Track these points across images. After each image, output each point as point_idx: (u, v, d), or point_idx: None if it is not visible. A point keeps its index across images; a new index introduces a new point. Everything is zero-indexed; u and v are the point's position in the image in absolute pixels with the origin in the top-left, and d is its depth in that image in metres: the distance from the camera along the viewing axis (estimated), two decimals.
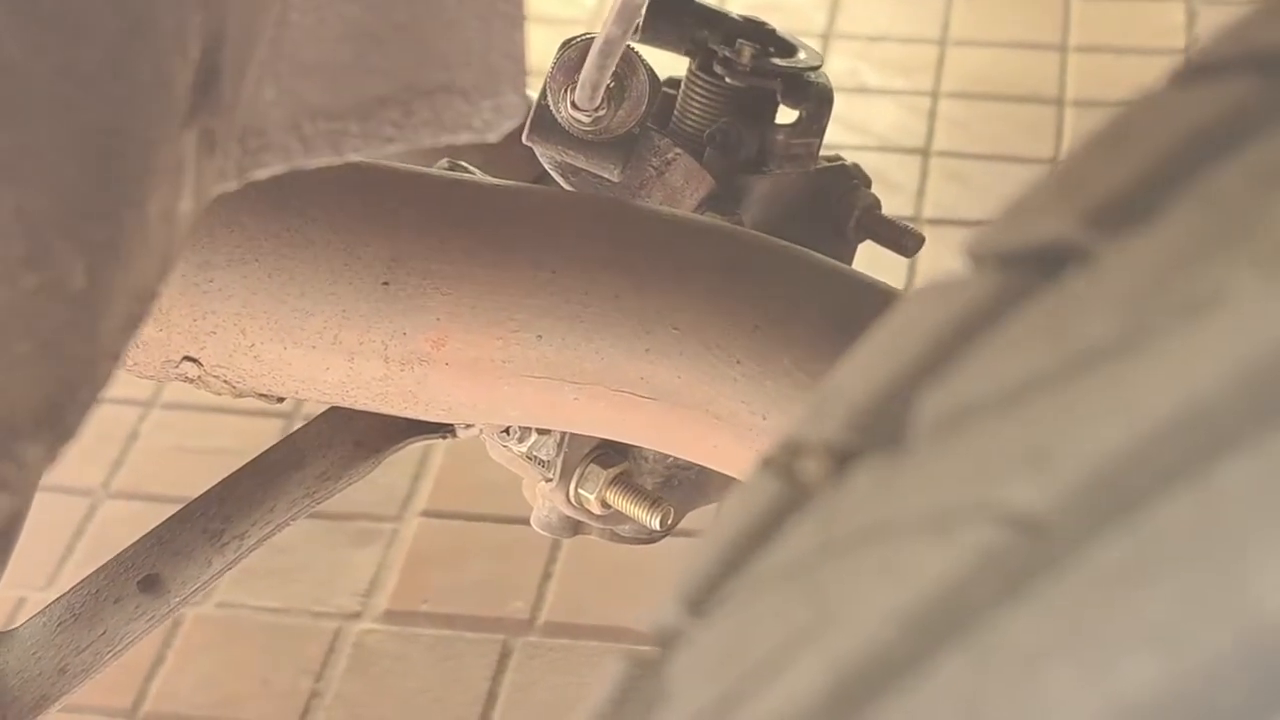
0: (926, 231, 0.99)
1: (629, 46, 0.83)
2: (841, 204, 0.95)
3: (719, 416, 0.80)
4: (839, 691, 0.36)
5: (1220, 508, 0.32)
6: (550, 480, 0.92)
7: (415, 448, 0.92)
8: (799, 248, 0.84)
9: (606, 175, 0.87)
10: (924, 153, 1.89)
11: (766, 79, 0.91)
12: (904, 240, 0.96)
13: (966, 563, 0.35)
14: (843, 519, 0.38)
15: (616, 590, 1.46)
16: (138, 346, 0.81)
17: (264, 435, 1.53)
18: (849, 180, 0.95)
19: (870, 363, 0.40)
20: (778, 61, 0.92)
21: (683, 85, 0.93)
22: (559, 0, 2.10)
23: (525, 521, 0.99)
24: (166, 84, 0.45)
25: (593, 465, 0.91)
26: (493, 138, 0.56)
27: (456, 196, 0.83)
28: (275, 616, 1.47)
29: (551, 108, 0.85)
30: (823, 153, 0.95)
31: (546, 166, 0.89)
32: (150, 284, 0.47)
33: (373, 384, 0.82)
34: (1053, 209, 0.38)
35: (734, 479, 0.89)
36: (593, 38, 0.82)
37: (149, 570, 0.85)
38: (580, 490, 0.91)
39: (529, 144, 0.87)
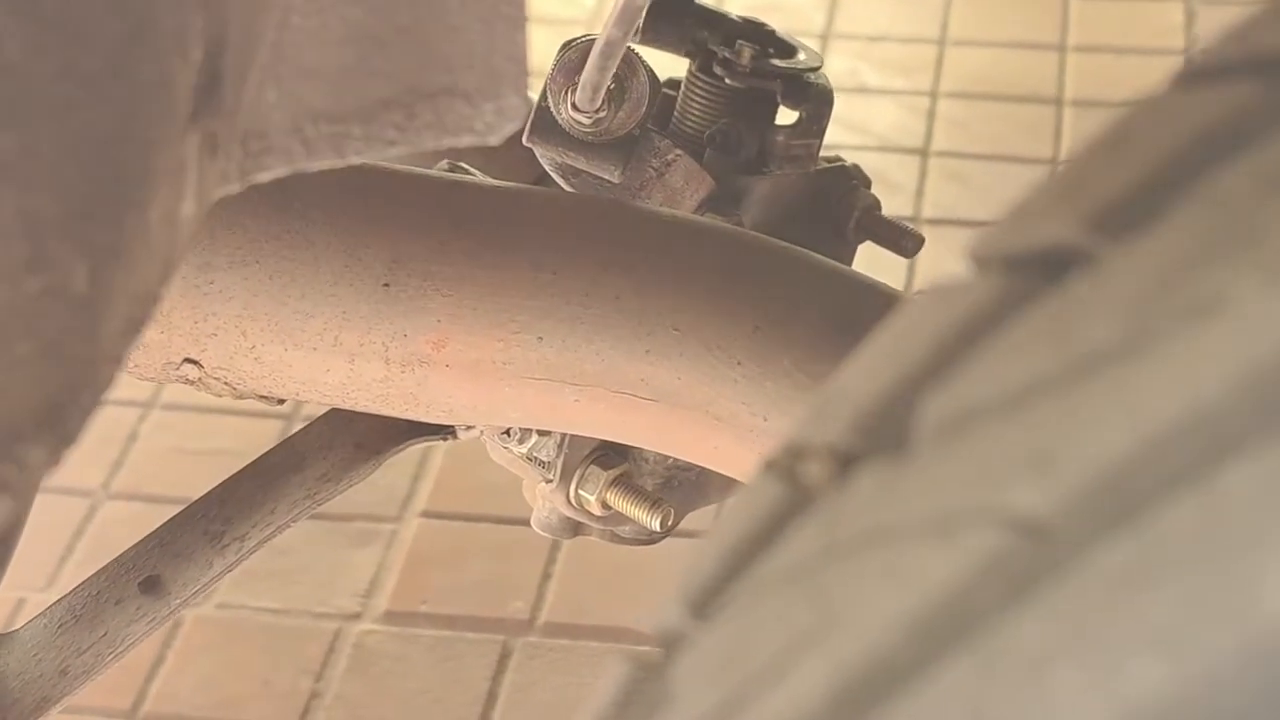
0: (926, 232, 0.99)
1: (629, 48, 0.83)
2: (841, 205, 0.95)
3: (719, 418, 0.80)
4: (843, 695, 0.36)
5: (1224, 511, 0.32)
6: (550, 481, 0.92)
7: (415, 449, 0.92)
8: (799, 249, 0.84)
9: (607, 176, 0.87)
10: (923, 153, 1.89)
11: (766, 80, 0.91)
12: (904, 241, 0.96)
13: (970, 566, 0.35)
14: (846, 522, 0.38)
15: (616, 591, 1.46)
16: (139, 348, 0.81)
17: (264, 437, 1.53)
18: (849, 181, 0.95)
19: (873, 366, 0.40)
20: (777, 62, 0.92)
21: (683, 86, 0.93)
22: (559, 1, 2.10)
23: (525, 522, 0.99)
24: (168, 86, 0.45)
25: (593, 466, 0.91)
26: (495, 140, 0.56)
27: (457, 198, 0.83)
28: (275, 617, 1.47)
29: (552, 109, 0.85)
30: (822, 153, 0.95)
31: (547, 168, 0.89)
32: (152, 287, 0.47)
33: (373, 386, 0.82)
34: (1056, 212, 0.38)
35: (734, 480, 0.89)
36: (593, 39, 0.82)
37: (150, 572, 0.85)
38: (580, 491, 0.91)
39: (529, 145, 0.87)
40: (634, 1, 0.78)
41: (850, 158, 0.97)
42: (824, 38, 2.05)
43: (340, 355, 0.81)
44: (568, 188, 0.89)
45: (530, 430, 0.91)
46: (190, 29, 0.45)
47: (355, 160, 0.54)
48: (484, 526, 1.53)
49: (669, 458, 0.92)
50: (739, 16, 0.93)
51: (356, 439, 0.89)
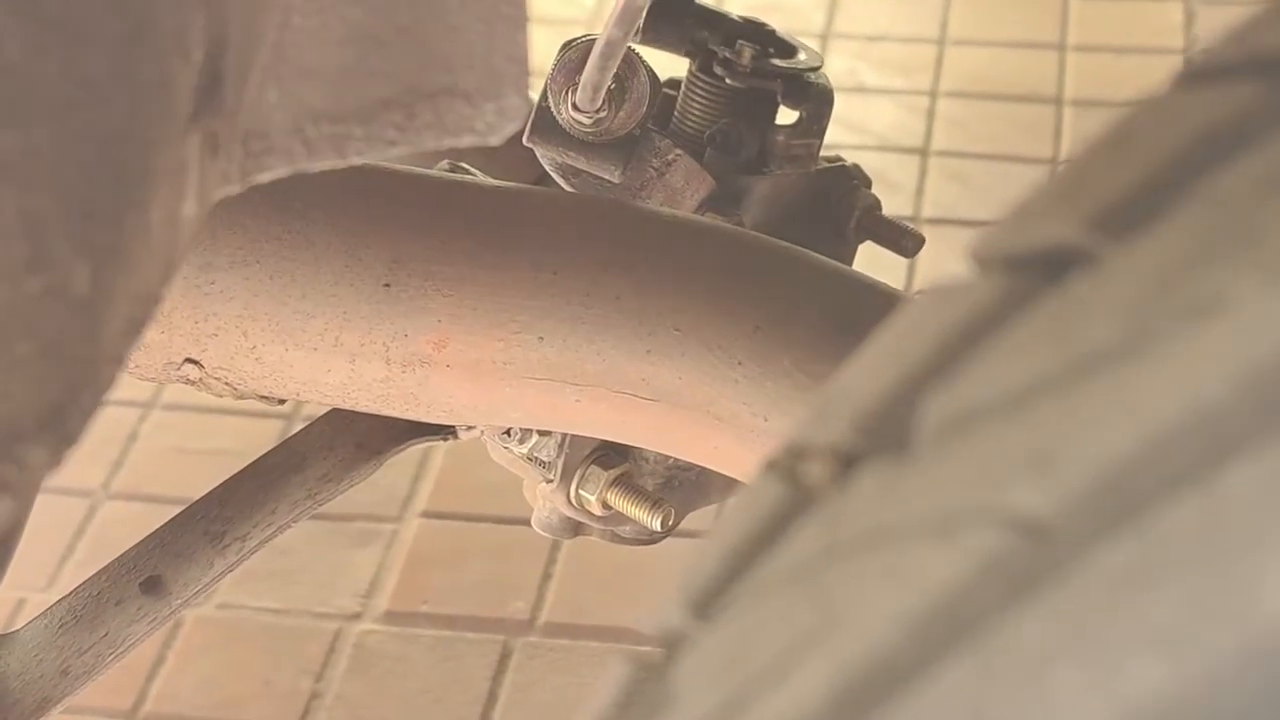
0: (926, 231, 0.99)
1: (630, 48, 0.83)
2: (842, 204, 0.95)
3: (720, 418, 0.80)
4: (844, 696, 0.36)
5: (1225, 512, 0.32)
6: (551, 481, 0.92)
7: (416, 449, 0.92)
8: (799, 249, 0.84)
9: (607, 176, 0.87)
10: (923, 152, 1.89)
11: (767, 80, 0.91)
12: (904, 241, 0.96)
13: (971, 567, 0.35)
14: (847, 522, 0.38)
15: (617, 591, 1.46)
16: (139, 348, 0.81)
17: (264, 437, 1.53)
18: (849, 181, 0.95)
19: (875, 366, 0.40)
20: (778, 62, 0.92)
21: (683, 86, 0.93)
22: (559, 1, 2.10)
23: (525, 522, 0.99)
24: (169, 87, 0.45)
25: (593, 466, 0.91)
26: (495, 140, 0.56)
27: (457, 198, 0.83)
28: (276, 617, 1.47)
29: (552, 109, 0.85)
30: (822, 153, 0.95)
31: (547, 168, 0.89)
32: (153, 287, 0.47)
33: (374, 386, 0.82)
34: (1057, 212, 0.38)
35: (735, 480, 0.89)
36: (594, 39, 0.82)
37: (151, 572, 0.85)
38: (581, 491, 0.91)
39: (529, 145, 0.87)
40: (634, 1, 0.78)
41: (850, 157, 0.97)
42: (824, 37, 2.05)
43: (341, 355, 0.81)
44: (568, 188, 0.89)
45: (531, 430, 0.91)
46: (191, 29, 0.45)
47: (356, 160, 0.54)
48: (484, 526, 1.53)
49: (669, 458, 0.92)
50: (739, 16, 0.93)
51: (357, 439, 0.89)
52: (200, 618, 1.47)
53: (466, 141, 0.55)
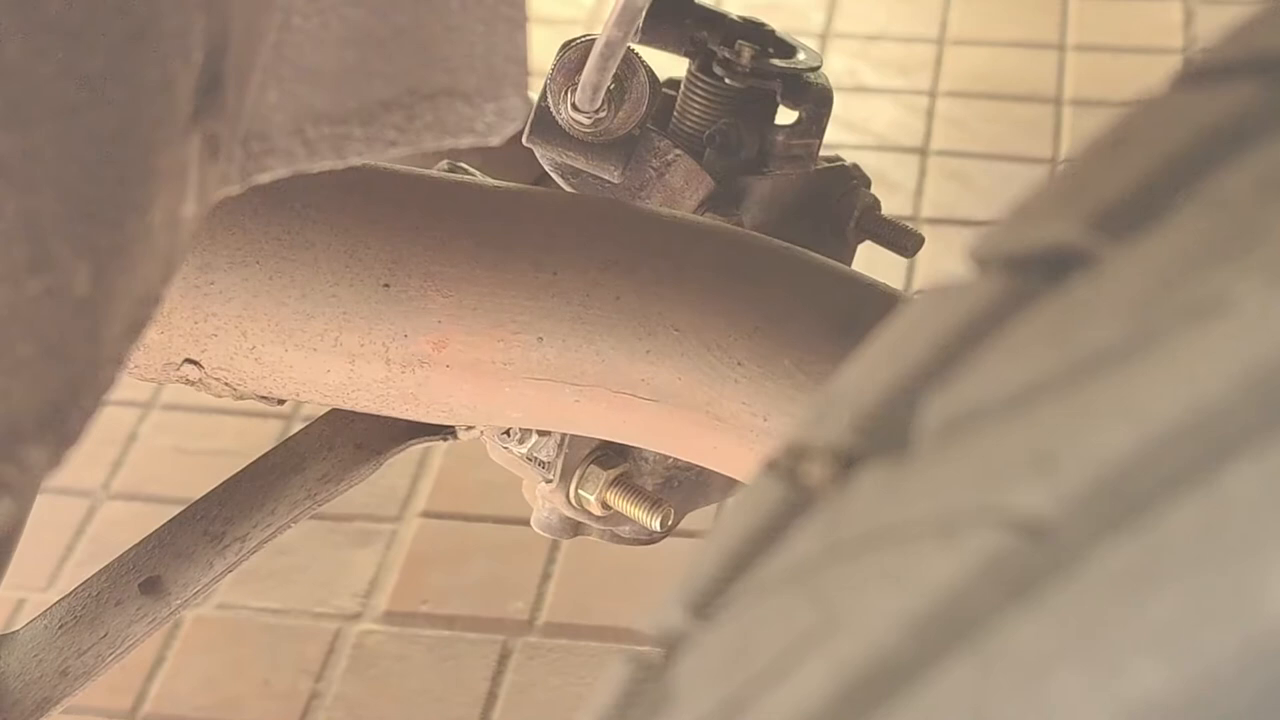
0: (925, 231, 0.99)
1: (629, 48, 0.83)
2: (841, 204, 0.95)
3: (720, 418, 0.80)
4: (845, 696, 0.36)
5: (1227, 512, 0.32)
6: (550, 481, 0.92)
7: (415, 449, 0.92)
8: (799, 249, 0.84)
9: (607, 177, 0.87)
10: (922, 152, 1.89)
11: (766, 80, 0.91)
12: (903, 240, 0.96)
13: (972, 567, 0.35)
14: (847, 523, 0.38)
15: (616, 591, 1.46)
16: (139, 349, 0.81)
17: (264, 437, 1.53)
18: (849, 181, 0.95)
19: (875, 366, 0.40)
20: (777, 62, 0.92)
21: (682, 86, 0.93)
22: (559, 1, 2.10)
23: (525, 522, 0.99)
24: (169, 88, 0.45)
25: (593, 466, 0.91)
26: (495, 141, 0.56)
27: (457, 198, 0.83)
28: (275, 617, 1.47)
29: (552, 109, 0.85)
30: (822, 153, 0.95)
31: (546, 168, 0.89)
32: (154, 288, 0.47)
33: (374, 386, 0.82)
34: (1057, 213, 0.38)
35: (735, 480, 0.89)
36: (593, 39, 0.82)
37: (150, 572, 0.85)
38: (580, 491, 0.91)
39: (529, 145, 0.87)
40: (634, 1, 0.78)
41: (850, 157, 0.97)
42: (823, 37, 2.05)
43: (340, 356, 0.81)
44: (568, 188, 0.89)
45: (530, 430, 0.91)
46: (191, 30, 0.45)
47: (356, 161, 0.55)
48: (484, 526, 1.53)
49: (669, 457, 0.92)
50: (738, 16, 0.93)
51: (357, 439, 0.89)
52: (200, 618, 1.47)
53: (466, 142, 0.55)
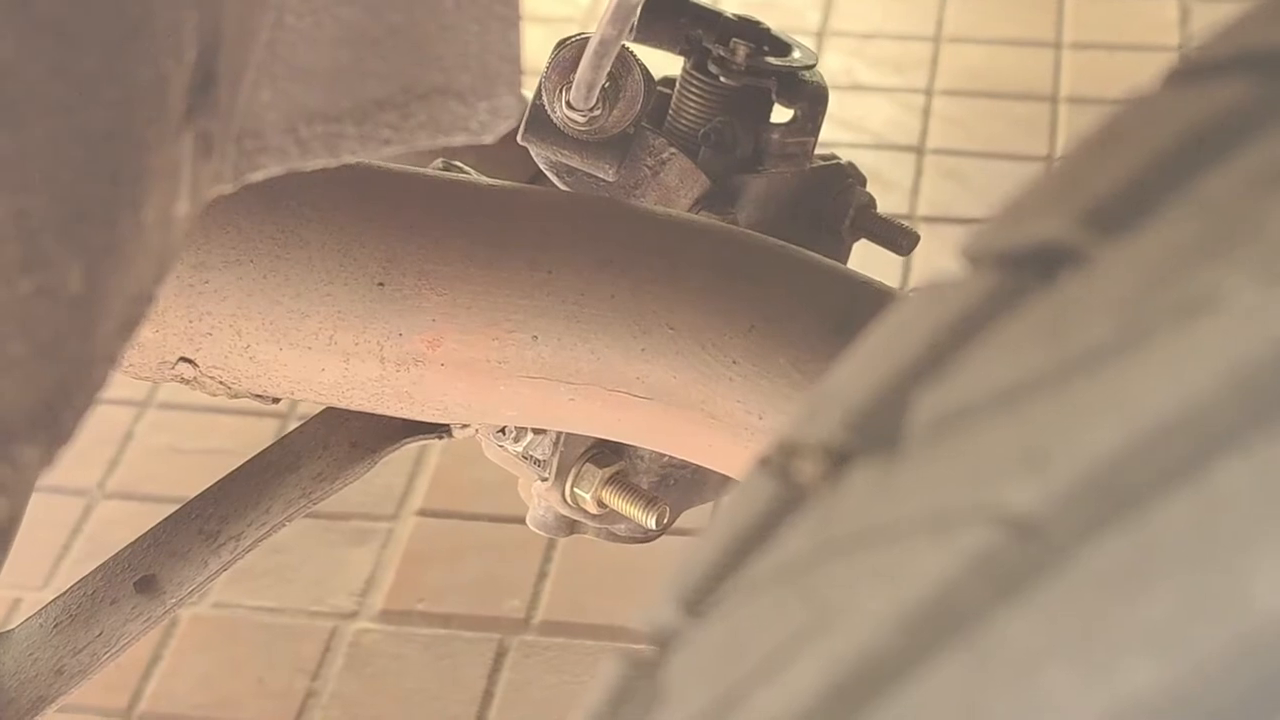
0: (921, 229, 0.99)
1: (624, 46, 0.83)
2: (837, 203, 0.95)
3: (715, 416, 0.80)
4: (836, 693, 0.36)
5: (1216, 509, 0.32)
6: (546, 480, 0.92)
7: (411, 447, 0.92)
8: (794, 247, 0.84)
9: (602, 175, 0.87)
10: (918, 150, 1.89)
11: (761, 78, 0.91)
12: (899, 239, 0.96)
13: (963, 564, 0.35)
14: (839, 520, 0.38)
15: (612, 589, 1.46)
16: (133, 348, 0.81)
17: (260, 436, 1.53)
18: (844, 179, 0.95)
19: (866, 364, 0.40)
20: (772, 60, 0.92)
21: (677, 84, 0.93)
22: None
23: (521, 521, 0.99)
24: (162, 87, 0.45)
25: (588, 465, 0.91)
26: (489, 139, 0.56)
27: (452, 197, 0.83)
28: (271, 616, 1.47)
29: (546, 108, 0.85)
30: (818, 151, 0.95)
31: (541, 166, 0.89)
32: (147, 287, 0.47)
33: (368, 384, 0.82)
34: (1048, 210, 0.38)
35: (730, 478, 0.89)
36: (588, 37, 0.82)
37: (145, 571, 0.85)
38: (576, 489, 0.92)
39: (524, 144, 0.87)
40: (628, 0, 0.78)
41: (846, 155, 0.97)
42: (819, 35, 2.05)
43: (335, 354, 0.81)
44: (563, 186, 0.89)
45: (525, 428, 0.91)
46: (184, 29, 0.45)
47: (349, 159, 0.54)
48: (480, 525, 1.53)
49: (664, 456, 0.92)
50: (733, 14, 0.93)
51: (352, 438, 0.88)
52: (196, 616, 1.47)
53: (460, 140, 0.55)
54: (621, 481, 0.91)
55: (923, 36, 2.05)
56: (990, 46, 2.03)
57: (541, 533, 0.97)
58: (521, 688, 1.40)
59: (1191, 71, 0.39)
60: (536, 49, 0.88)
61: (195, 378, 0.82)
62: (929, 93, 1.97)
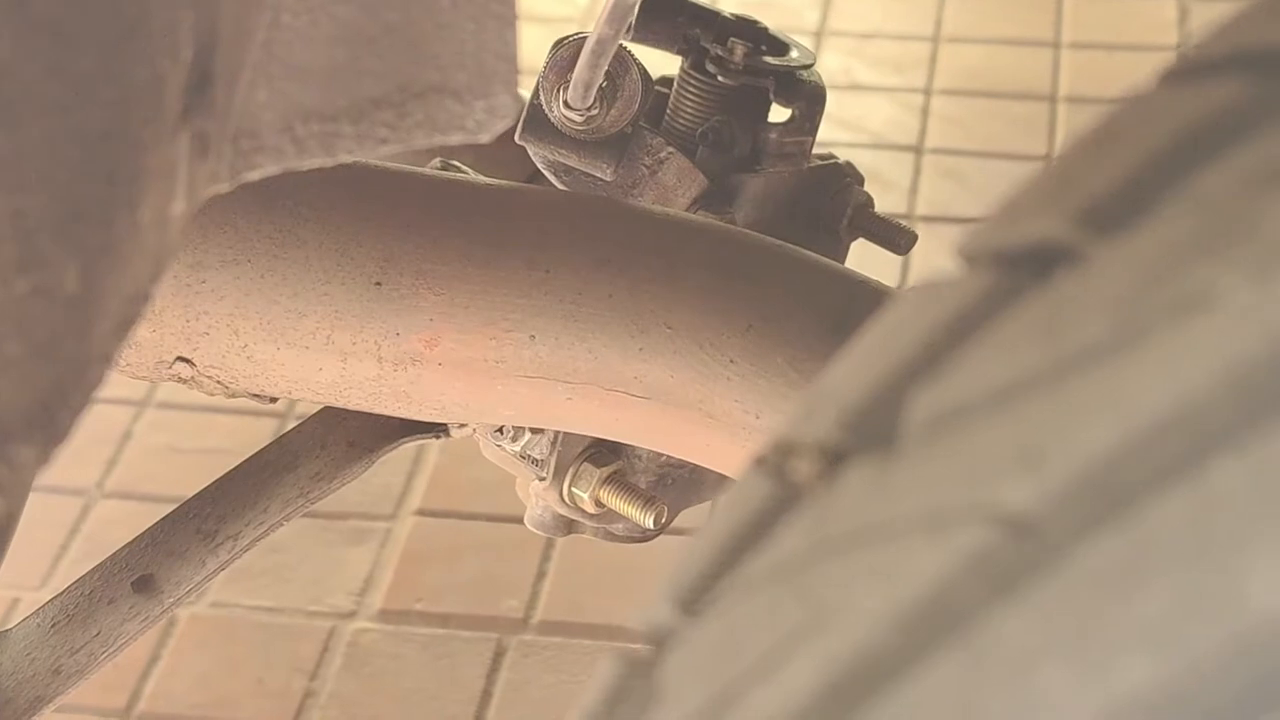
0: (920, 229, 0.99)
1: (621, 45, 0.83)
2: (834, 202, 0.95)
3: (713, 415, 0.80)
4: (832, 692, 0.36)
5: (1212, 507, 0.32)
6: (544, 479, 0.92)
7: (409, 447, 0.92)
8: (792, 246, 0.84)
9: (599, 174, 0.87)
10: (917, 150, 1.89)
11: (759, 77, 0.91)
12: (897, 238, 0.96)
13: (959, 563, 0.35)
14: (835, 519, 0.38)
15: (610, 589, 1.46)
16: (131, 347, 0.81)
17: (258, 435, 1.53)
18: (842, 178, 0.95)
19: (862, 362, 0.40)
20: (770, 60, 0.92)
21: (675, 84, 0.93)
22: None
23: (519, 520, 0.99)
24: (159, 87, 0.45)
25: (586, 464, 0.91)
26: (486, 138, 0.56)
27: (449, 196, 0.83)
28: (270, 616, 1.47)
29: (544, 107, 0.85)
30: (816, 150, 0.95)
31: (539, 166, 0.89)
32: (143, 286, 0.47)
33: (366, 384, 0.82)
34: (1043, 209, 0.38)
35: (728, 477, 0.89)
36: (585, 37, 0.82)
37: (143, 571, 0.85)
38: (574, 489, 0.92)
39: (521, 143, 0.87)
40: None
41: (845, 155, 0.97)
42: (818, 35, 2.05)
43: (332, 354, 0.81)
44: (560, 186, 0.89)
45: (523, 428, 0.91)
46: (180, 28, 0.45)
47: (346, 159, 0.54)
48: (479, 524, 1.53)
49: (662, 455, 0.92)
50: (731, 14, 0.93)
51: (349, 437, 0.88)
52: (194, 616, 1.47)
53: (457, 139, 0.55)
54: (619, 481, 0.91)
55: (921, 36, 2.05)
56: (989, 46, 2.03)
57: (539, 532, 0.97)
58: (520, 687, 1.40)
59: (1187, 70, 0.39)
60: (534, 48, 0.88)
61: (193, 377, 0.82)
62: (927, 92, 1.97)
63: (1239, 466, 0.32)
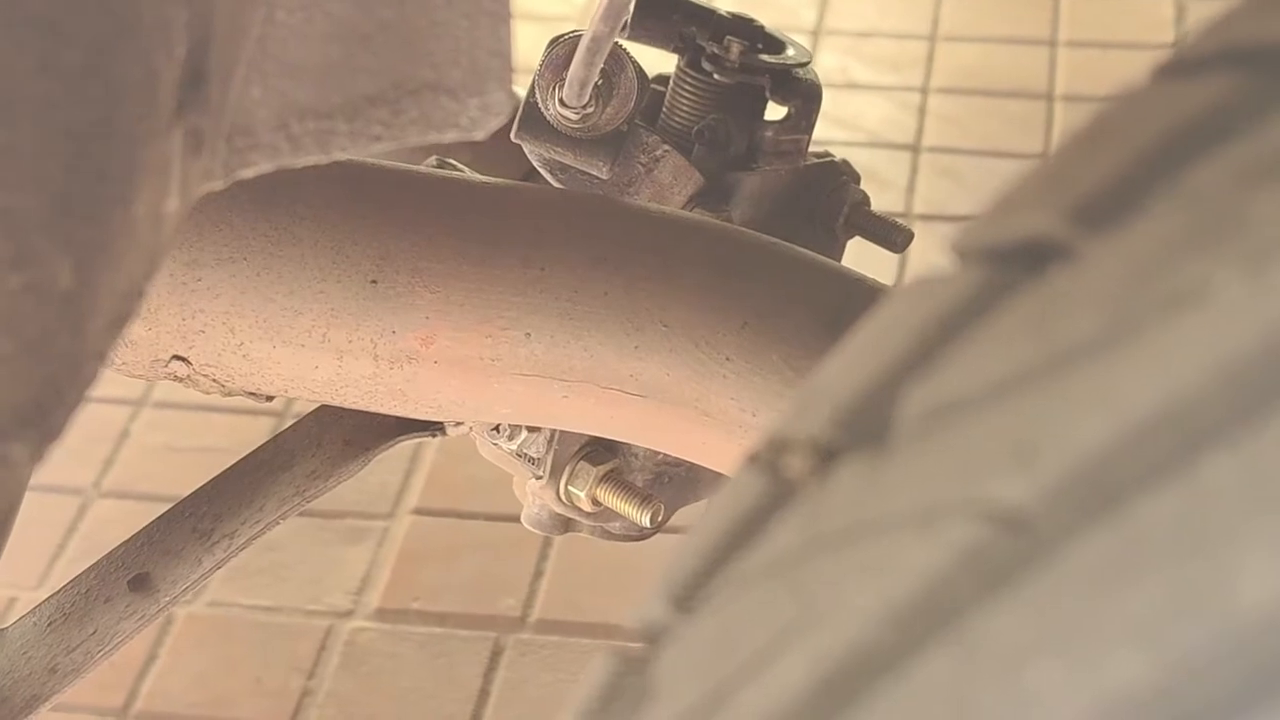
0: (916, 227, 0.99)
1: (617, 43, 0.83)
2: (830, 200, 0.95)
3: (708, 413, 0.80)
4: (825, 687, 0.36)
5: (1204, 502, 0.32)
6: (540, 478, 0.92)
7: (406, 445, 0.92)
8: (788, 244, 0.84)
9: (595, 172, 0.87)
10: (914, 148, 1.89)
11: (755, 75, 0.91)
12: (893, 236, 0.96)
13: (951, 559, 0.35)
14: (828, 515, 0.38)
15: (607, 587, 1.46)
16: (126, 345, 0.81)
17: (254, 434, 1.53)
18: (838, 176, 0.95)
19: (855, 359, 0.40)
20: (766, 58, 0.92)
21: (671, 82, 0.93)
22: None
23: (516, 519, 0.99)
24: (152, 83, 0.45)
25: (582, 462, 0.91)
26: (480, 135, 0.56)
27: (445, 194, 0.83)
28: (267, 615, 1.47)
29: (540, 105, 0.85)
30: (812, 149, 0.95)
31: (535, 164, 0.89)
32: (137, 283, 0.47)
33: (362, 382, 0.82)
34: (1036, 205, 0.38)
35: (724, 475, 0.89)
36: (581, 35, 0.82)
37: (139, 569, 0.85)
38: (570, 487, 0.91)
39: (517, 141, 0.87)
40: None
41: (840, 153, 0.97)
42: (814, 34, 2.05)
43: (328, 352, 0.81)
44: (556, 184, 0.89)
45: (519, 426, 0.91)
46: (174, 25, 0.45)
47: (341, 156, 0.54)
48: (476, 523, 1.53)
49: (658, 453, 0.92)
50: (727, 12, 0.93)
51: (345, 436, 0.88)
52: (192, 615, 1.47)
53: (451, 136, 0.55)
54: (616, 479, 0.91)
55: (918, 35, 2.05)
56: (985, 45, 2.03)
57: (537, 531, 0.97)
58: (517, 686, 1.40)
59: (1178, 67, 0.39)
60: (531, 46, 0.88)
61: (189, 375, 0.82)
62: (924, 91, 1.97)
63: (1231, 462, 0.32)
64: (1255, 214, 0.34)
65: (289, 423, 0.95)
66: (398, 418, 0.87)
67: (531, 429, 0.91)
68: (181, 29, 0.46)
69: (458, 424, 0.90)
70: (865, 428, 0.38)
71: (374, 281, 0.80)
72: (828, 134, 1.86)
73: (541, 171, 0.89)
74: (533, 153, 0.88)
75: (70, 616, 0.84)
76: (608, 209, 0.84)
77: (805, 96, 0.92)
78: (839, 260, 0.94)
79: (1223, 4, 0.39)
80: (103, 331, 0.45)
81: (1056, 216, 0.37)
